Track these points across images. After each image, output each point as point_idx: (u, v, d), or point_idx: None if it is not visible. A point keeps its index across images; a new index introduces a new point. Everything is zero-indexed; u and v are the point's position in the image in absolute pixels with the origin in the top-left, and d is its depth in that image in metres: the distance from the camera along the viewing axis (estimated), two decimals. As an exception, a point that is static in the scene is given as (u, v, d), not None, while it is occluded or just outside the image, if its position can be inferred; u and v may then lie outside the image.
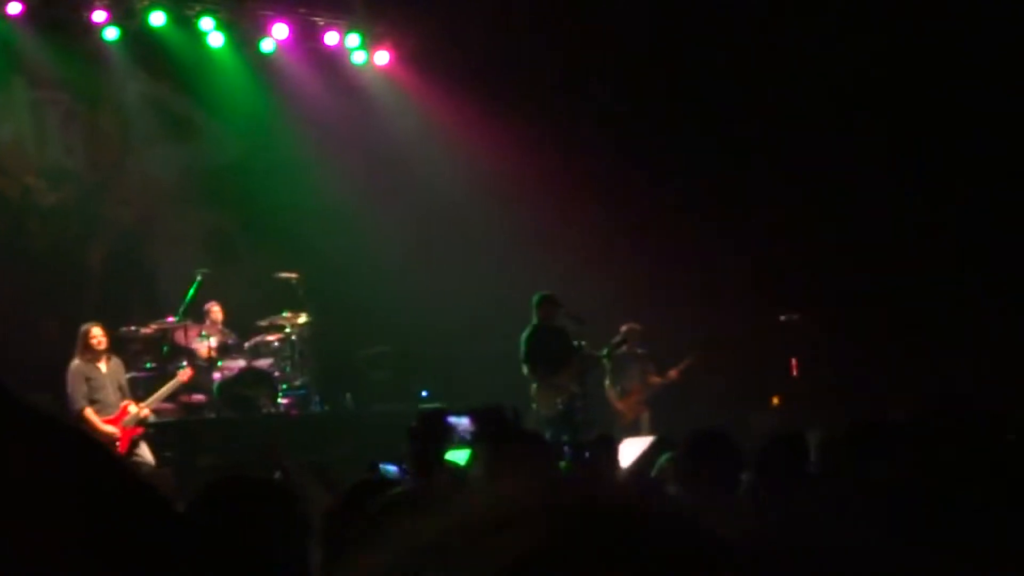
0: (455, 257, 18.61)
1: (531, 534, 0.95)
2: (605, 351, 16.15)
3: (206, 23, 18.30)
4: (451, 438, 7.96)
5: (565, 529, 0.95)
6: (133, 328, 15.88)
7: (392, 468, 8.70)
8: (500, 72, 18.34)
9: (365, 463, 9.50)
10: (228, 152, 19.15)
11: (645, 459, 12.15)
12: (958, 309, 16.88)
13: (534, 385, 15.21)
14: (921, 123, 17.50)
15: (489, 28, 18.09)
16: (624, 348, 16.34)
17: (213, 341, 15.97)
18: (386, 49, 19.37)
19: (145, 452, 14.14)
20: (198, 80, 18.78)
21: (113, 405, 14.14)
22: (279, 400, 16.20)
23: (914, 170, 17.43)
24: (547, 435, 14.58)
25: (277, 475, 7.39)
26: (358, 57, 19.35)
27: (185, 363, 15.42)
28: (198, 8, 18.27)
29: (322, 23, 19.02)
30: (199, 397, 15.86)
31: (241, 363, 16.19)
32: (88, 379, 14.11)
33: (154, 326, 16.05)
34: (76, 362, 14.17)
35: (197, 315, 16.25)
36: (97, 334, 14.24)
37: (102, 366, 14.21)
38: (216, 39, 18.48)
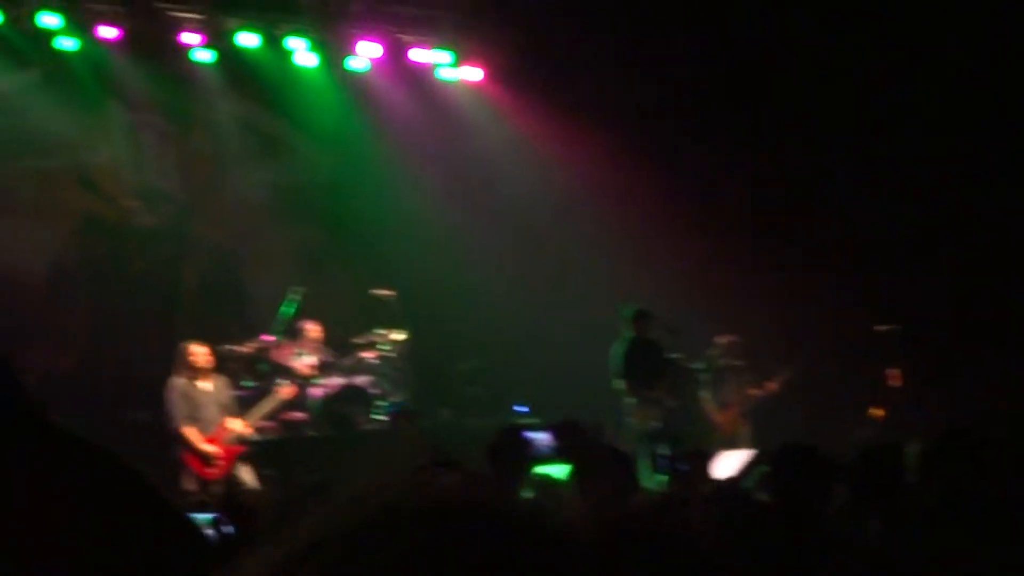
0: (547, 271, 18.59)
1: (398, 537, 0.99)
2: (703, 364, 16.02)
3: (296, 43, 18.42)
4: (531, 454, 7.92)
5: (427, 531, 0.99)
6: (230, 347, 15.94)
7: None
8: (589, 87, 18.29)
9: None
10: (319, 171, 19.27)
11: (743, 471, 12.09)
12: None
13: (629, 399, 15.11)
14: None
15: (577, 43, 18.06)
16: (723, 361, 16.18)
17: (310, 359, 16.02)
18: (475, 66, 19.39)
19: (246, 475, 14.12)
20: (289, 100, 18.93)
21: (214, 423, 14.10)
22: (377, 417, 16.22)
23: (1018, 179, 17.15)
24: (642, 449, 14.53)
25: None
26: (447, 74, 19.39)
27: (287, 380, 15.47)
28: (288, 28, 18.39)
29: (411, 41, 19.07)
30: (298, 415, 15.90)
31: (338, 381, 16.20)
32: (187, 397, 14.06)
33: (251, 345, 16.12)
34: (176, 380, 14.15)
35: (293, 333, 16.32)
36: (196, 351, 14.21)
37: (204, 384, 14.18)
38: (306, 59, 18.59)
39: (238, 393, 15.45)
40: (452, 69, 19.31)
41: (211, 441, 13.99)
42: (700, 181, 18.39)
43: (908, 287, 17.51)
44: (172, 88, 18.30)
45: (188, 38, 17.76)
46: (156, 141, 18.64)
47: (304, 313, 16.44)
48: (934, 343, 17.05)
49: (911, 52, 17.59)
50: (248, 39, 18.07)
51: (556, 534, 1.00)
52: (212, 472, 13.85)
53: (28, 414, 3.06)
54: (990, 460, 6.57)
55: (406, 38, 19.04)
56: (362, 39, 18.61)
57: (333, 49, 18.72)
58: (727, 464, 13.28)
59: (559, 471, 8.75)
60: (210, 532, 6.59)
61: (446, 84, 19.46)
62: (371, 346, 16.65)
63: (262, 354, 16.11)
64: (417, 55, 19.06)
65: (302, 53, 18.49)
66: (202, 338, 14.78)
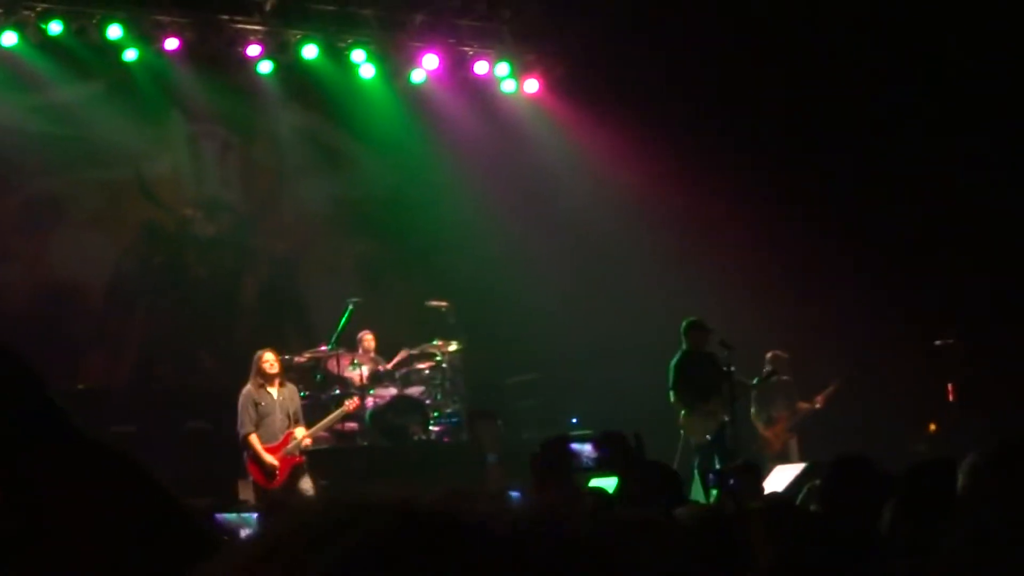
0: (603, 284, 18.55)
1: (341, 545, 1.01)
2: (756, 380, 15.93)
3: (357, 55, 18.51)
4: (575, 465, 7.92)
5: (375, 538, 1.02)
6: (287, 357, 15.97)
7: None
8: (648, 98, 18.24)
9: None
10: (378, 182, 19.34)
11: (794, 485, 12.04)
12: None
13: (683, 412, 15.02)
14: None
15: (637, 55, 18.02)
16: (775, 378, 16.09)
17: (365, 369, 16.05)
18: (535, 77, 19.42)
19: (306, 484, 14.14)
20: (349, 111, 19.03)
21: (280, 431, 14.13)
22: (430, 428, 16.23)
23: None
24: (696, 462, 14.47)
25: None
26: (507, 86, 19.43)
27: (352, 393, 15.53)
28: (350, 40, 18.49)
29: (471, 53, 19.13)
30: (351, 425, 15.94)
31: (393, 391, 16.24)
32: (257, 405, 14.10)
33: (307, 355, 16.19)
34: (248, 387, 14.20)
35: (349, 343, 16.36)
36: (269, 359, 14.26)
37: (273, 391, 14.20)
38: (367, 70, 18.68)
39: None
40: (511, 80, 19.35)
41: (273, 450, 14.04)
42: (758, 194, 18.28)
43: (967, 300, 17.35)
44: (233, 99, 18.44)
45: (250, 49, 17.87)
46: (217, 152, 18.79)
47: (361, 323, 16.49)
48: (991, 357, 16.87)
49: (978, 51, 17.45)
50: (310, 51, 18.17)
51: (473, 532, 1.03)
52: (271, 482, 13.91)
53: (53, 420, 3.10)
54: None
55: (467, 50, 19.10)
56: (422, 51, 18.68)
57: (393, 61, 18.80)
58: (780, 478, 13.24)
59: (608, 483, 8.75)
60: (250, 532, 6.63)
61: (504, 96, 19.50)
62: (426, 356, 16.68)
63: (318, 364, 16.18)
64: (479, 67, 19.10)
65: (363, 65, 18.58)
66: (261, 347, 14.84)
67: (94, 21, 16.99)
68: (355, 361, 16.13)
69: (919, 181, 17.86)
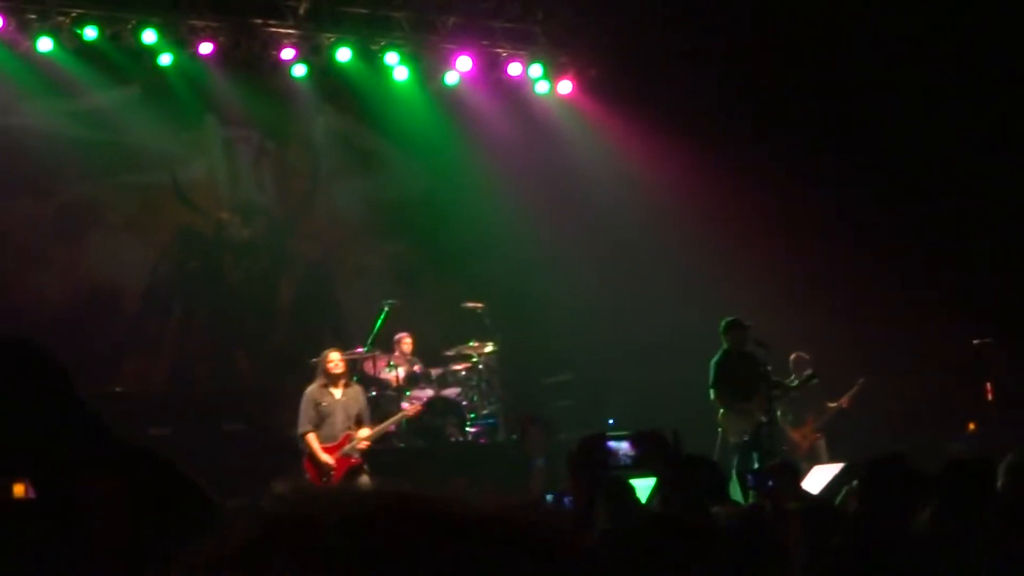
0: (638, 284, 18.51)
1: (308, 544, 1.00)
2: (796, 382, 15.87)
3: (391, 58, 18.55)
4: (612, 463, 7.87)
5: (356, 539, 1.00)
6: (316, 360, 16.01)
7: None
8: (681, 99, 18.19)
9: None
10: (412, 184, 19.38)
11: (834, 485, 11.98)
12: None
13: (721, 411, 14.97)
14: None
15: (671, 57, 17.98)
16: (816, 381, 15.98)
17: (401, 371, 16.05)
18: (569, 79, 19.44)
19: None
20: (383, 114, 19.05)
21: (340, 432, 14.06)
22: (467, 429, 16.24)
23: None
24: (734, 462, 14.42)
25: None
26: (541, 87, 19.43)
27: (417, 398, 15.53)
28: (383, 43, 18.52)
29: (505, 55, 19.15)
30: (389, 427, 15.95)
31: (429, 392, 16.23)
32: (318, 404, 14.05)
33: (344, 357, 16.20)
34: (312, 386, 14.15)
35: (385, 345, 16.38)
36: (334, 359, 14.19)
37: (337, 392, 14.12)
38: (400, 73, 18.71)
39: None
40: (545, 82, 19.35)
41: (331, 450, 14.01)
42: (791, 195, 18.20)
43: (1006, 300, 17.24)
44: (268, 103, 18.50)
45: (284, 53, 17.92)
46: (252, 156, 18.85)
47: (396, 325, 16.49)
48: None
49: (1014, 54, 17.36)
50: (343, 54, 18.21)
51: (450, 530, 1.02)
52: (326, 482, 13.88)
53: (87, 421, 3.12)
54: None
55: (500, 51, 19.11)
56: (456, 53, 18.70)
57: (427, 63, 18.82)
58: (818, 478, 13.18)
59: (645, 483, 8.74)
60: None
61: (537, 97, 19.50)
62: (462, 358, 16.68)
63: (355, 366, 16.15)
64: (512, 69, 19.11)
65: (397, 67, 18.61)
66: (297, 350, 14.83)
67: (129, 26, 17.07)
68: (391, 363, 16.15)
69: (958, 180, 17.75)
